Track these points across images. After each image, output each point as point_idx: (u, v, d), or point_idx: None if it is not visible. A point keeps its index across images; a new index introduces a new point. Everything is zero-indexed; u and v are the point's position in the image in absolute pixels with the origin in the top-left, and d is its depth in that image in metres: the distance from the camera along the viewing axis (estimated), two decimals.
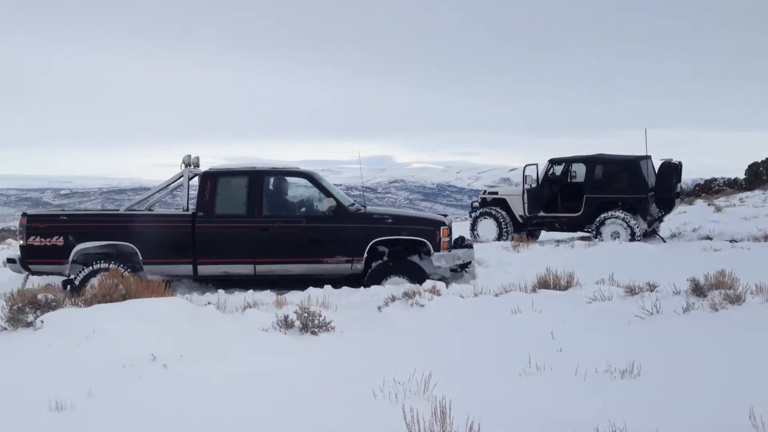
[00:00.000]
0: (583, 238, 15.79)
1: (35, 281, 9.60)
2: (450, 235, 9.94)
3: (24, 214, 9.50)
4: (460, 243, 10.42)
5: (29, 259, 9.32)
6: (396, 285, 8.93)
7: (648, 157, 15.86)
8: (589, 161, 16.37)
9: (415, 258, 9.88)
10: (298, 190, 10.32)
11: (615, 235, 15.07)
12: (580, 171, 16.99)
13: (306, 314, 6.46)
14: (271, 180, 9.87)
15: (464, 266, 10.24)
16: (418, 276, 9.35)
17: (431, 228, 9.70)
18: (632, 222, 14.99)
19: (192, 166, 10.20)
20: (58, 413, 4.29)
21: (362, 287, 9.12)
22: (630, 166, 15.74)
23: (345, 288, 9.06)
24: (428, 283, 8.57)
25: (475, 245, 11.59)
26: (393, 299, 7.64)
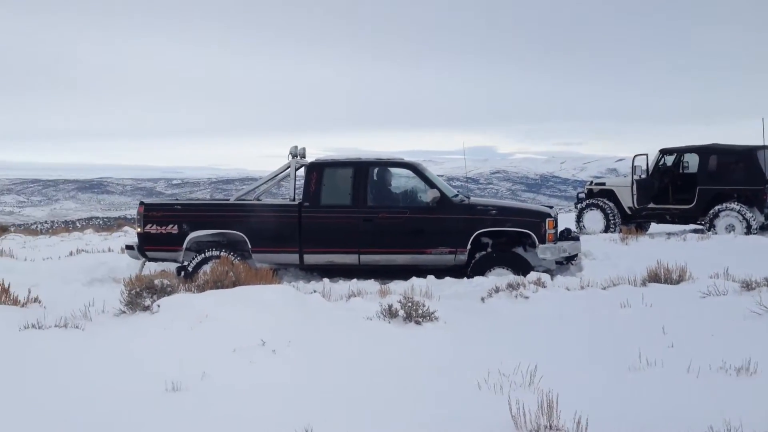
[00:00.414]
0: (695, 231, 15.22)
1: (151, 267, 10.05)
2: (555, 226, 9.78)
3: (141, 203, 9.93)
4: (566, 235, 10.23)
5: (146, 246, 9.74)
6: (499, 276, 8.86)
7: (765, 147, 15.10)
8: (703, 151, 15.75)
9: (519, 250, 9.77)
10: (401, 180, 10.37)
11: (730, 228, 14.46)
12: (692, 161, 16.36)
13: (410, 304, 6.49)
14: (376, 171, 9.96)
15: (570, 258, 10.05)
16: (522, 268, 9.24)
17: (536, 219, 9.56)
18: (748, 214, 14.34)
19: (299, 157, 10.42)
20: (174, 393, 4.48)
21: (465, 278, 9.09)
22: (746, 157, 15.05)
23: (448, 278, 9.06)
24: (533, 275, 8.45)
25: (581, 237, 11.35)
26: (497, 290, 7.58)
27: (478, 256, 9.54)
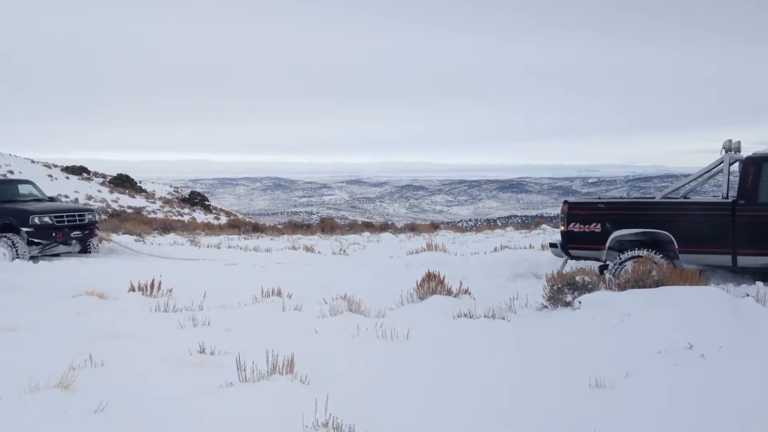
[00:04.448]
0: None
1: (570, 265, 10.22)
2: None
3: (566, 202, 10.10)
4: None
5: (569, 244, 9.90)
6: None
7: None
8: None
9: None
10: None
11: None
12: None
13: None
14: None
15: None
16: None
17: None
18: None
19: (733, 152, 9.67)
20: (597, 390, 4.51)
21: None
22: None
23: None
24: None
25: None
26: None
27: None
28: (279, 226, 30.58)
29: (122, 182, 58.14)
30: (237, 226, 28.63)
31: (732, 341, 5.31)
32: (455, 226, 34.22)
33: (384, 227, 28.54)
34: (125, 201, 49.41)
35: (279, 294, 7.91)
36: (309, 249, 15.86)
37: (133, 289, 8.05)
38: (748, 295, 7.32)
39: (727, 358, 4.97)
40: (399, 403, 4.31)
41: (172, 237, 21.08)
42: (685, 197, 10.38)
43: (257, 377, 4.60)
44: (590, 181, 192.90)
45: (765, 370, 4.78)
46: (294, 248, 16.31)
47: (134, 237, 18.60)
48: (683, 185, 10.56)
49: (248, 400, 4.25)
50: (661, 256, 9.00)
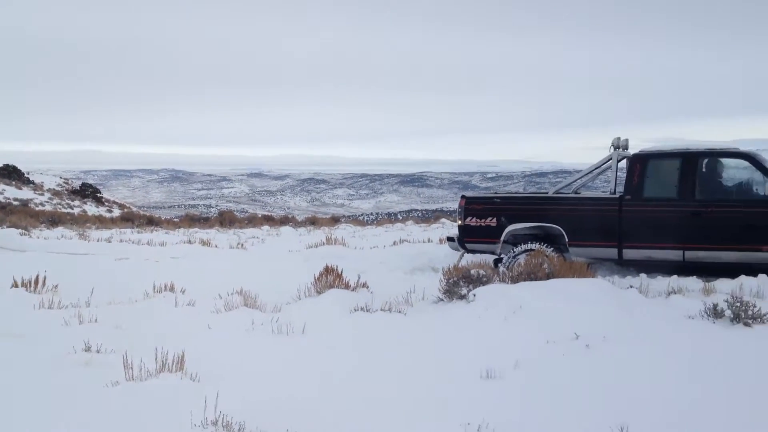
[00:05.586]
0: None
1: (467, 258, 10.40)
2: None
3: (463, 197, 10.27)
4: None
5: (466, 238, 10.08)
6: None
7: None
8: None
9: None
10: (735, 172, 9.50)
11: None
12: None
13: (738, 303, 5.96)
14: (706, 162, 9.24)
15: None
16: None
17: None
18: None
19: (621, 149, 10.07)
20: (487, 380, 4.62)
21: None
22: None
23: None
24: None
25: None
26: None
27: None
28: (175, 220, 29.82)
29: (8, 173, 55.36)
30: (131, 219, 27.76)
31: (616, 331, 5.54)
32: (356, 219, 34.27)
33: (284, 221, 28.30)
34: (11, 193, 47.07)
35: (172, 289, 7.69)
36: (205, 243, 15.52)
37: (16, 285, 7.66)
38: (632, 287, 7.64)
39: (610, 347, 5.19)
40: (291, 398, 4.28)
41: (60, 230, 20.21)
42: (576, 192, 10.74)
43: (145, 375, 4.46)
44: (489, 176, 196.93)
45: (645, 357, 5.00)
46: (190, 242, 15.94)
47: (19, 230, 17.74)
48: (575, 181, 10.92)
49: (135, 400, 4.11)
50: (552, 249, 9.29)
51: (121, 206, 55.02)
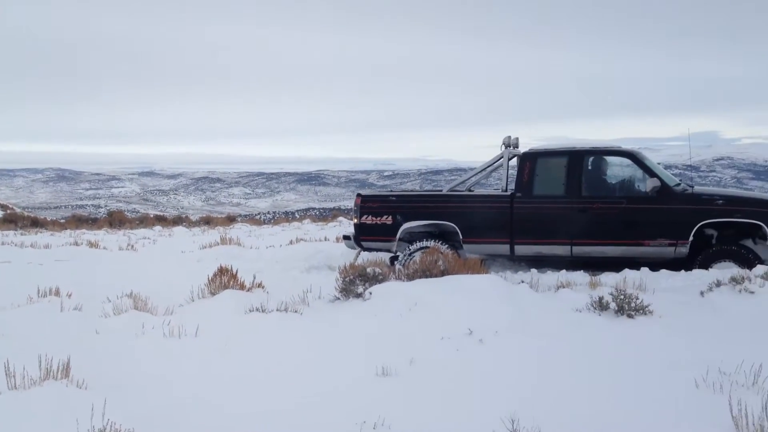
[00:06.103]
0: None
1: (364, 256, 10.43)
2: None
3: (358, 195, 10.26)
4: None
5: (362, 236, 10.09)
6: (721, 270, 8.22)
7: None
8: None
9: (748, 243, 9.01)
10: (618, 169, 9.90)
11: None
12: None
13: (622, 296, 6.23)
14: (591, 160, 9.59)
15: None
16: (750, 262, 8.52)
17: None
18: None
19: (512, 147, 10.31)
20: (384, 378, 4.64)
21: (682, 270, 8.56)
22: None
23: (663, 271, 8.58)
24: (759, 269, 7.76)
25: None
26: (718, 284, 7.04)
27: (702, 249, 8.92)
28: (61, 221, 28.59)
29: None
30: (13, 220, 26.37)
31: (508, 325, 5.68)
32: (252, 219, 33.84)
33: (177, 221, 27.64)
34: None
35: (57, 293, 7.35)
36: (93, 244, 14.93)
37: None
38: (523, 282, 7.84)
39: (502, 341, 5.32)
40: (183, 403, 4.17)
41: None
42: (470, 190, 10.93)
43: (28, 384, 4.23)
44: (386, 174, 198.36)
45: (534, 350, 5.16)
46: (77, 244, 15.28)
47: None
48: (468, 178, 11.12)
49: (17, 410, 3.89)
50: (447, 246, 9.43)
51: (3, 207, 52.31)
